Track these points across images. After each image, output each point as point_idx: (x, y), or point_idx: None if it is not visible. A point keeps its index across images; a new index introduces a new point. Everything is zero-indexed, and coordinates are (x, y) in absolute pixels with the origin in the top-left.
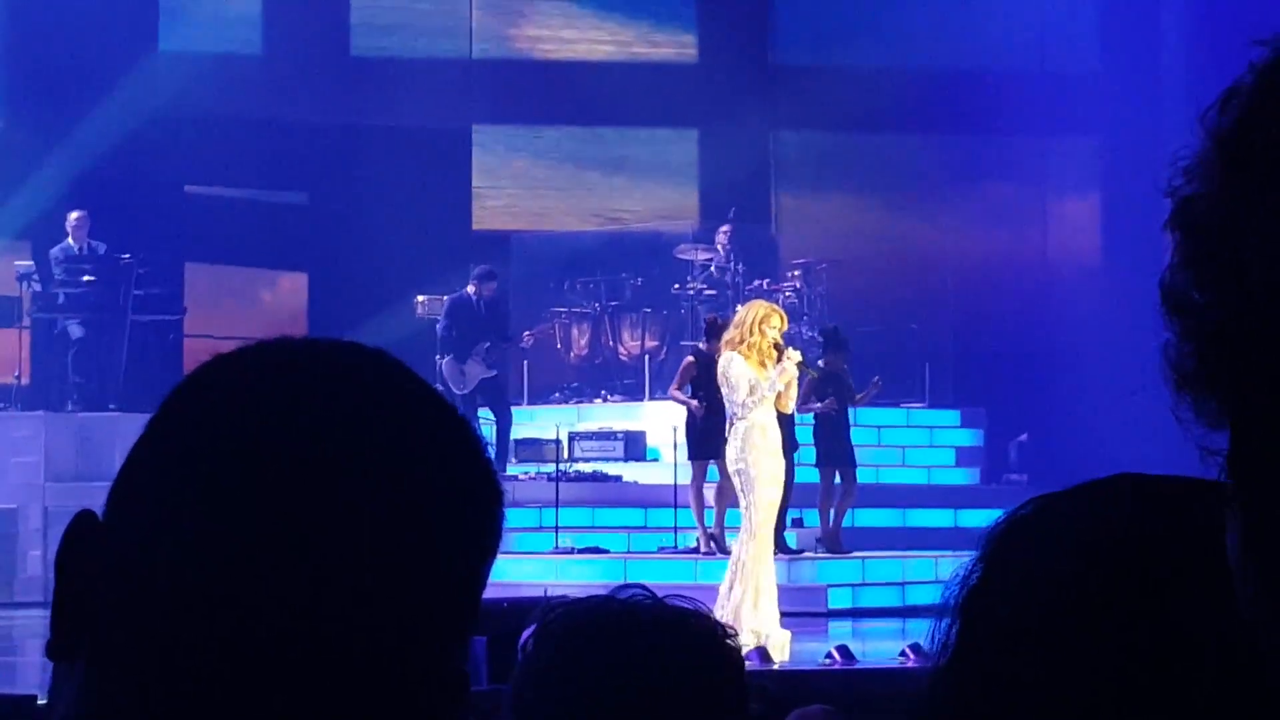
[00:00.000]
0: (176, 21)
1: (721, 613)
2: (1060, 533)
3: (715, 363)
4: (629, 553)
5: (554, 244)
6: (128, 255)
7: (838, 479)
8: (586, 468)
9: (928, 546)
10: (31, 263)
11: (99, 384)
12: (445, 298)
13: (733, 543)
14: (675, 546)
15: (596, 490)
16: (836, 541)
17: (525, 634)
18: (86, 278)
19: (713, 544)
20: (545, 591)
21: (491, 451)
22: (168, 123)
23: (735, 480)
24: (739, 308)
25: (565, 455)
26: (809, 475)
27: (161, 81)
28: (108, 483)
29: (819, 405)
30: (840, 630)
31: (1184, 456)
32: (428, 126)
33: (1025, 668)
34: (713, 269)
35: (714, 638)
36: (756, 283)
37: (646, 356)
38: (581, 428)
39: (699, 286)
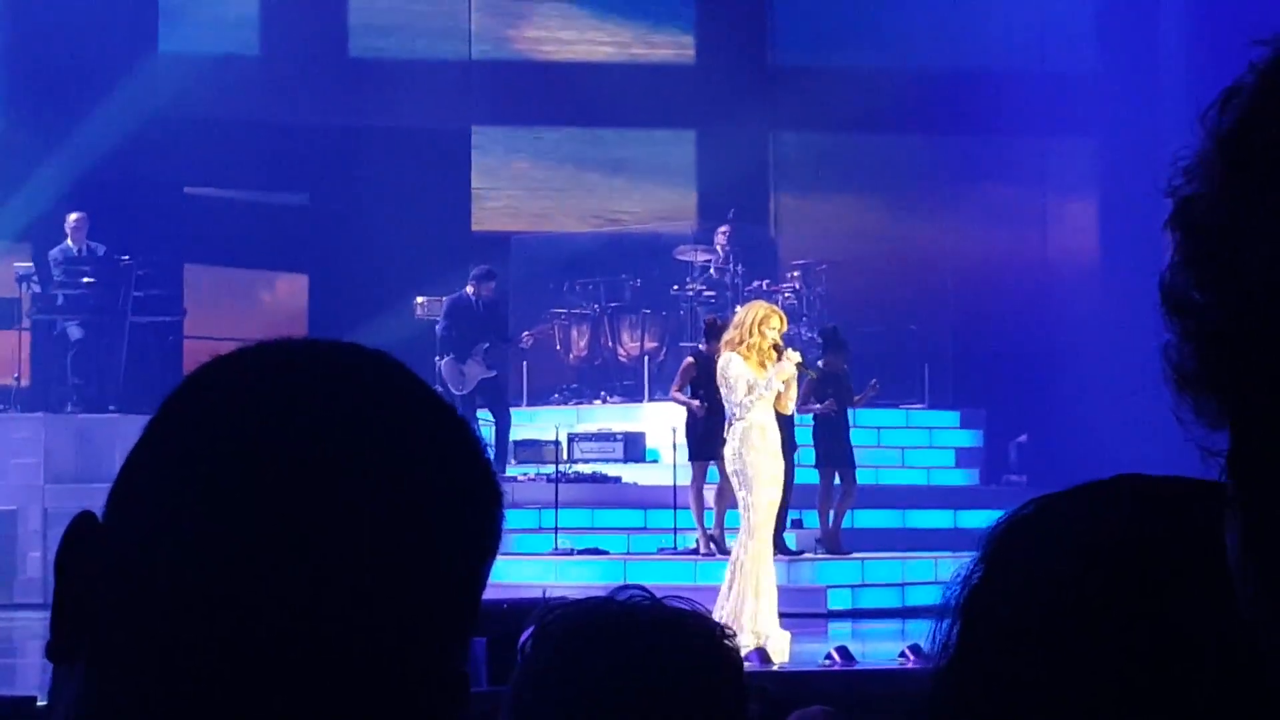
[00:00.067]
0: (176, 23)
1: (721, 614)
2: (1060, 533)
3: (715, 363)
4: (628, 554)
5: (553, 245)
6: (127, 257)
7: (837, 480)
8: (586, 469)
9: (927, 547)
10: (31, 264)
11: (98, 385)
12: (444, 299)
13: (732, 544)
14: (675, 548)
15: (596, 491)
16: (836, 542)
17: (524, 635)
18: (86, 279)
19: (712, 545)
20: (544, 593)
21: (491, 453)
22: (167, 124)
23: (733, 480)
24: (738, 308)
25: (564, 456)
26: (808, 476)
27: (161, 83)
28: (107, 484)
29: (819, 406)
30: (840, 631)
31: (1184, 457)
32: (427, 128)
33: (1026, 668)
34: (712, 270)
35: (713, 639)
36: (756, 284)
37: (646, 358)
38: (581, 429)
39: (698, 287)
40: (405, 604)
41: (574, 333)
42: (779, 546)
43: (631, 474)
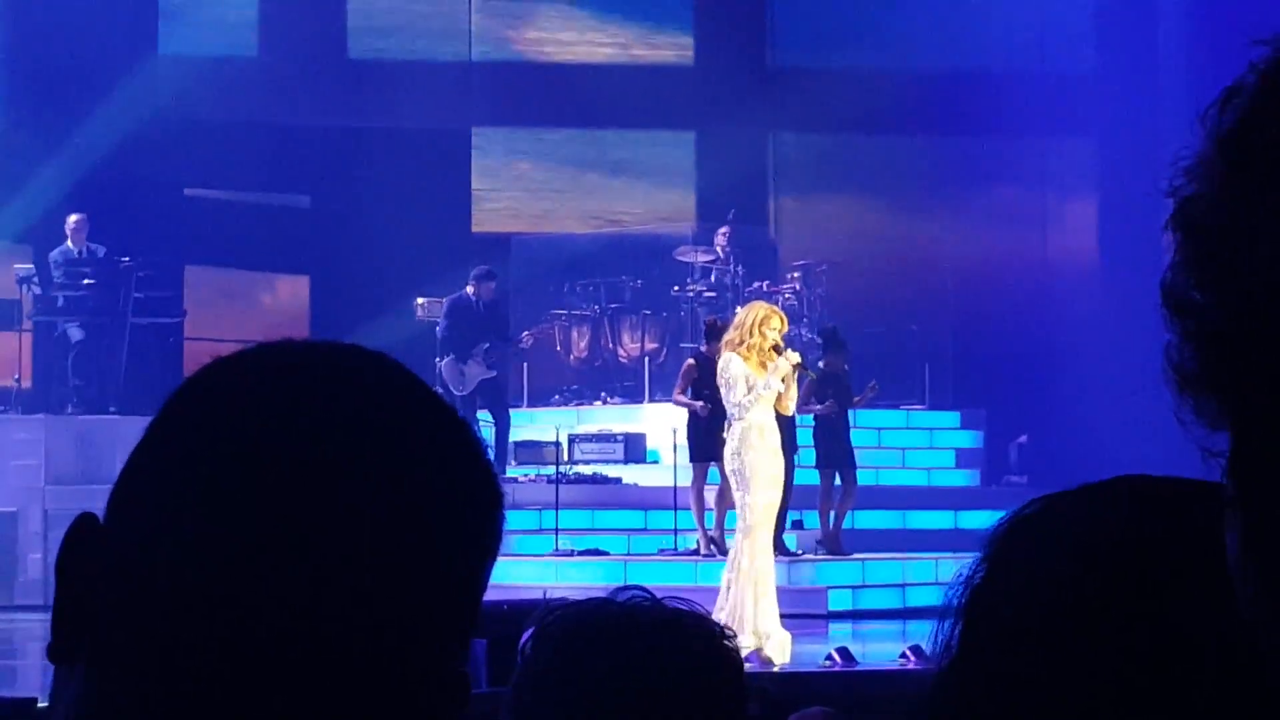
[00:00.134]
0: (176, 24)
1: (720, 615)
2: (1061, 533)
3: (716, 364)
4: (629, 555)
5: (554, 246)
6: (127, 258)
7: (837, 480)
8: (586, 470)
9: (928, 548)
10: (31, 266)
11: (99, 387)
12: (445, 299)
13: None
14: (675, 549)
15: (596, 492)
16: (836, 543)
17: (524, 636)
18: (86, 281)
19: (713, 546)
20: (545, 594)
21: (491, 454)
22: (167, 125)
23: (731, 480)
24: (739, 309)
25: (565, 457)
26: (809, 477)
27: (161, 84)
28: (108, 485)
29: (819, 407)
30: (840, 632)
31: (1184, 457)
32: (427, 129)
33: (1027, 668)
34: (713, 274)
35: (713, 639)
36: (756, 284)
37: (646, 358)
38: (581, 430)
39: (698, 288)
40: (405, 605)
41: (574, 334)
42: (779, 547)
43: (632, 475)
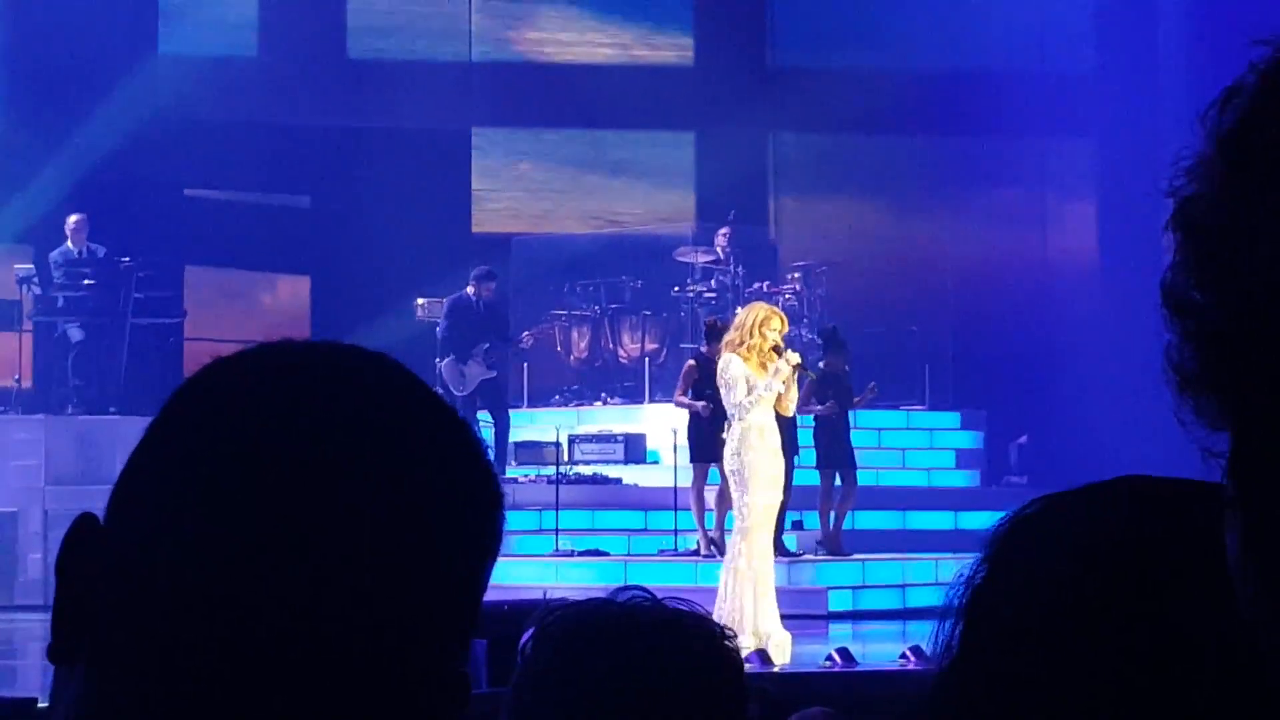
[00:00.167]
0: (176, 24)
1: (719, 616)
2: (1061, 533)
3: (716, 365)
4: (629, 555)
5: (554, 246)
6: (128, 258)
7: (838, 481)
8: (586, 470)
9: (928, 549)
10: (31, 266)
11: (99, 387)
12: (445, 300)
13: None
14: (675, 549)
15: (596, 493)
16: (837, 544)
17: (524, 637)
18: (86, 281)
19: (713, 547)
20: (545, 594)
21: (490, 454)
22: (167, 125)
23: (730, 480)
24: (739, 310)
25: (565, 458)
26: (809, 477)
27: (161, 84)
28: (108, 486)
29: (820, 408)
30: (840, 632)
31: (1184, 457)
32: (427, 129)
33: (1027, 668)
34: (713, 274)
35: (713, 640)
36: (756, 285)
37: (646, 359)
38: (581, 430)
39: (699, 289)
40: (405, 605)
41: (574, 334)
42: (779, 548)
43: (632, 475)
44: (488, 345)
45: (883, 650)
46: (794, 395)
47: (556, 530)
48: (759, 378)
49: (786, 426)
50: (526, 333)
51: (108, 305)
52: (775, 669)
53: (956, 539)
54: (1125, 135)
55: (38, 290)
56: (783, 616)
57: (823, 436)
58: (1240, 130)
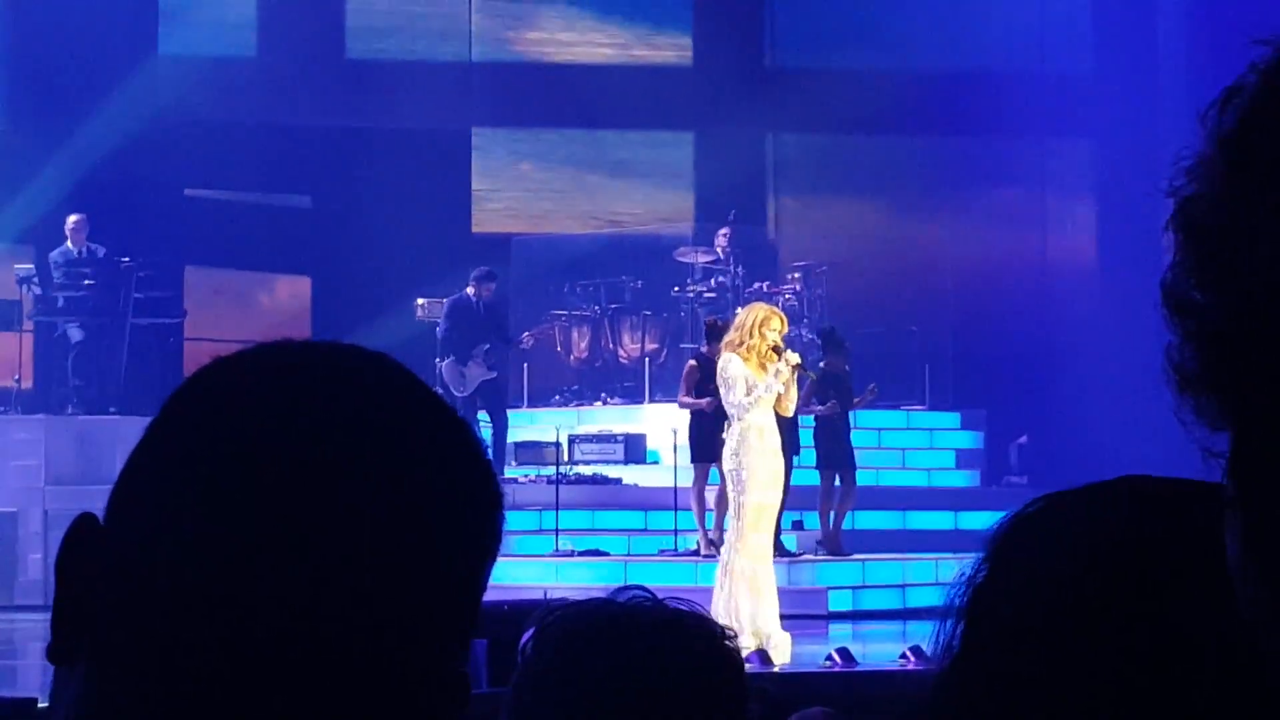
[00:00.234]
0: (176, 25)
1: (715, 615)
2: (1061, 533)
3: (716, 365)
4: (629, 555)
5: (554, 247)
6: (127, 258)
7: (837, 481)
8: (586, 470)
9: (928, 549)
10: (32, 266)
11: (99, 387)
12: (445, 300)
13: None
14: (675, 549)
15: (596, 493)
16: (837, 544)
17: (525, 636)
18: (86, 281)
19: (713, 547)
20: (545, 594)
21: (490, 454)
22: (168, 126)
23: (728, 479)
24: (739, 310)
25: (565, 458)
26: (809, 477)
27: (161, 84)
28: (108, 486)
29: (821, 408)
30: (840, 633)
31: (1184, 457)
32: (427, 129)
33: (1027, 667)
34: (713, 274)
35: (714, 640)
36: (756, 285)
37: (646, 359)
38: (581, 430)
39: (699, 289)
40: (405, 605)
41: (574, 334)
42: (779, 548)
43: (632, 475)
44: (488, 346)
45: (883, 650)
46: (794, 396)
47: (556, 530)
48: (759, 378)
49: (787, 427)
50: (527, 333)
51: (108, 305)
52: (775, 669)
53: (956, 539)
54: (1125, 135)
55: (38, 290)
56: (783, 616)
57: (823, 437)
58: (1241, 130)
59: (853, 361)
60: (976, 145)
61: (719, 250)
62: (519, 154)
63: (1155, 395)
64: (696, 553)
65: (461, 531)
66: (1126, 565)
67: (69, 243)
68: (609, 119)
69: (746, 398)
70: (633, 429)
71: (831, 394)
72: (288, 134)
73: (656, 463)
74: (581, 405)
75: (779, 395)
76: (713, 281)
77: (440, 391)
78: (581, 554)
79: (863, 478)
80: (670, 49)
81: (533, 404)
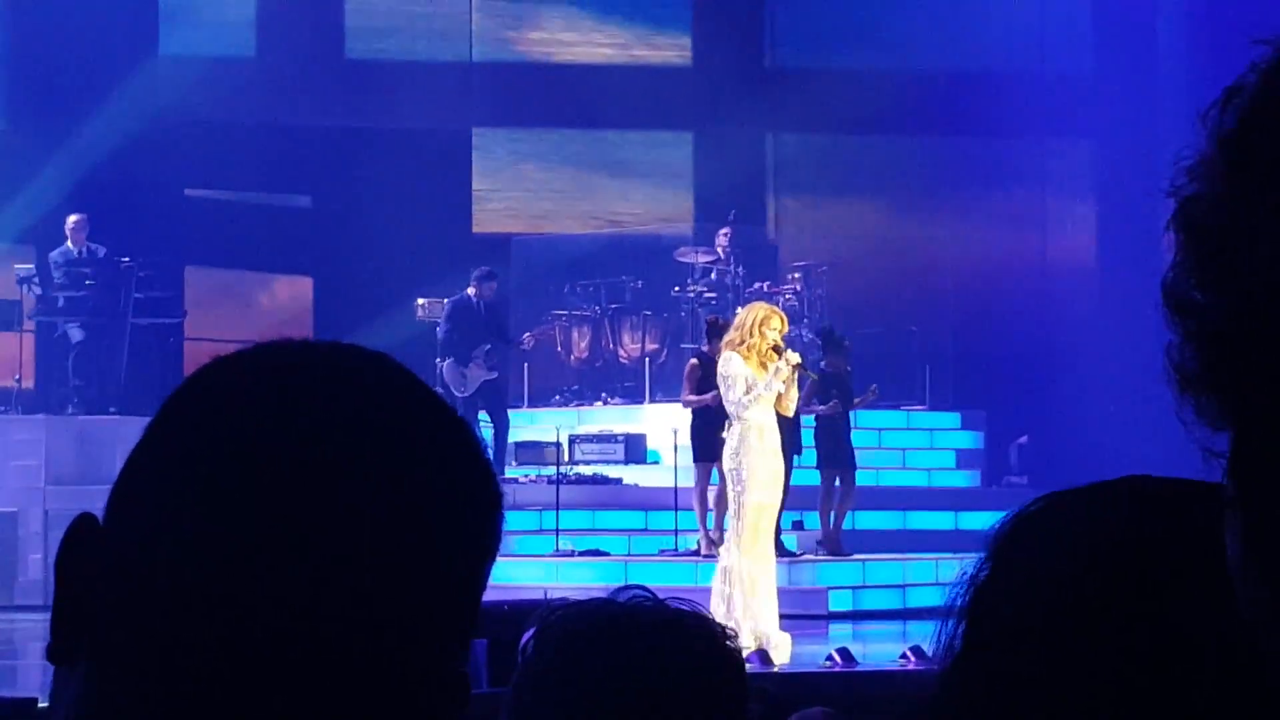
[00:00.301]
0: (176, 25)
1: (716, 615)
2: (1062, 533)
3: (717, 363)
4: (629, 555)
5: (554, 247)
6: (128, 258)
7: (838, 482)
8: (587, 470)
9: (928, 549)
10: (32, 266)
11: (99, 387)
12: (446, 300)
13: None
14: (676, 549)
15: (597, 493)
16: (837, 544)
17: (525, 636)
18: (86, 281)
19: (714, 547)
20: (545, 594)
21: (490, 454)
22: (168, 126)
23: (728, 479)
24: (739, 310)
25: (565, 458)
26: (809, 477)
27: (161, 85)
28: (108, 486)
29: (823, 408)
30: (841, 633)
31: (1184, 457)
32: (428, 129)
33: (1028, 667)
34: (713, 272)
35: (714, 640)
36: (756, 285)
37: (647, 359)
38: (582, 430)
39: (699, 289)
40: (405, 605)
41: (575, 334)
42: (779, 548)
43: (632, 475)
44: (489, 346)
45: (883, 650)
46: (794, 395)
47: (557, 530)
48: (759, 377)
49: (789, 427)
50: (527, 333)
51: (108, 305)
52: (775, 669)
53: (956, 539)
54: (1125, 135)
55: (38, 290)
56: (783, 616)
57: (824, 437)
58: (1241, 130)
59: (853, 361)
60: (976, 145)
61: (719, 250)
62: (519, 154)
63: (1155, 395)
64: (697, 553)
65: (461, 531)
66: (1127, 565)
67: (69, 243)
68: (609, 119)
69: (746, 396)
70: (633, 429)
71: (833, 393)
72: (288, 134)
73: (657, 463)
74: (582, 405)
75: (779, 395)
76: (712, 276)
77: (440, 392)
78: (582, 554)
79: (863, 478)
80: (670, 49)
81: (533, 404)
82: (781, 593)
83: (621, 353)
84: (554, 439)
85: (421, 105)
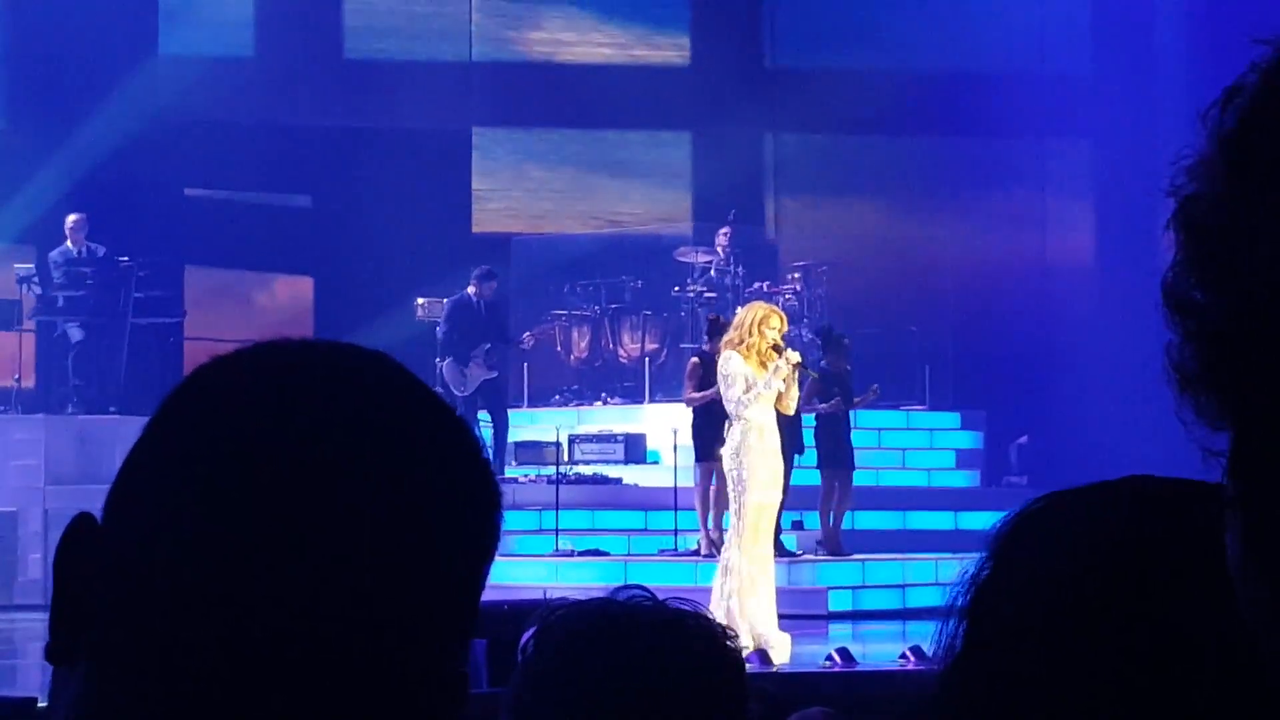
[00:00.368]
0: (176, 25)
1: (715, 615)
2: (1062, 533)
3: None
4: (629, 555)
5: (554, 247)
6: (127, 258)
7: (837, 481)
8: (587, 470)
9: (928, 549)
10: (31, 266)
11: (99, 387)
12: (446, 300)
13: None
14: (675, 549)
15: (596, 493)
16: (836, 544)
17: (525, 636)
18: (86, 281)
19: (714, 547)
20: (545, 594)
21: (489, 454)
22: (168, 125)
23: (729, 479)
24: (739, 309)
25: (565, 458)
26: (808, 477)
27: (161, 84)
28: (108, 485)
29: (824, 406)
30: (840, 633)
31: (1184, 457)
32: (428, 129)
33: (1028, 666)
34: (712, 271)
35: (714, 639)
36: (756, 285)
37: (646, 359)
38: (581, 430)
39: (699, 289)
40: (404, 604)
41: (575, 334)
42: (779, 548)
43: (632, 475)
44: (489, 346)
45: (883, 650)
46: (795, 394)
47: (556, 530)
48: (758, 376)
49: (790, 426)
50: (527, 333)
51: (108, 305)
52: (775, 669)
53: (956, 539)
54: (1124, 136)
55: (38, 290)
56: (782, 616)
57: (824, 436)
58: (1241, 130)
59: (853, 361)
60: (976, 145)
61: (719, 250)
62: (519, 154)
63: (1155, 395)
64: (697, 552)
65: (461, 531)
66: (1127, 565)
67: (69, 242)
68: (609, 119)
69: (746, 395)
70: (633, 429)
71: (835, 391)
72: (288, 134)
73: (656, 463)
74: (581, 405)
75: (780, 394)
76: (712, 276)
77: (440, 391)
78: (581, 554)
79: (863, 478)
80: (670, 49)
81: (533, 404)
82: (781, 593)
83: (621, 353)
84: (554, 439)
85: (421, 105)
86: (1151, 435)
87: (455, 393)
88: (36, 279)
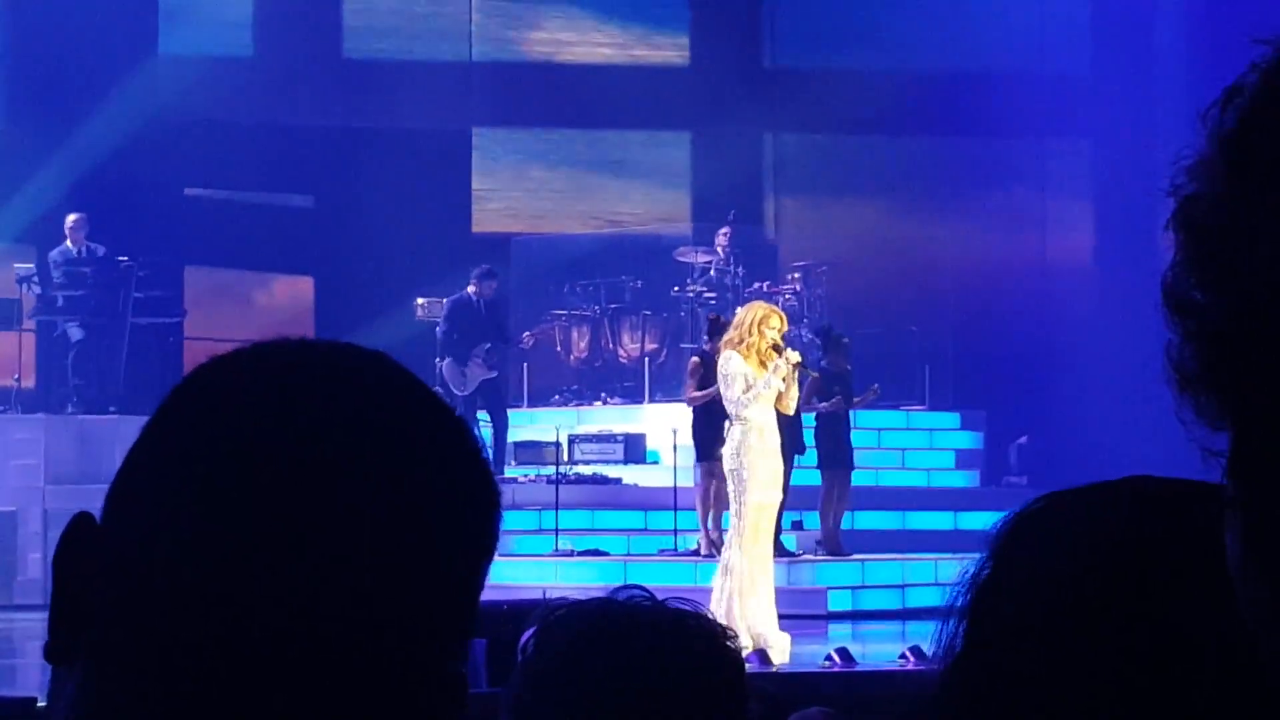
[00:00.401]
0: (176, 24)
1: (715, 615)
2: (1062, 533)
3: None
4: (629, 555)
5: (554, 247)
6: (127, 258)
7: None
8: (586, 470)
9: (927, 549)
10: (31, 266)
11: (99, 387)
12: (446, 300)
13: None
14: (675, 549)
15: (596, 493)
16: (836, 544)
17: (524, 636)
18: (87, 281)
19: (714, 548)
20: (545, 594)
21: (489, 453)
22: (167, 125)
23: (729, 479)
24: (739, 309)
25: (565, 458)
26: (808, 477)
27: (161, 84)
28: (108, 485)
29: (825, 405)
30: (840, 633)
31: (1184, 457)
32: (428, 129)
33: (1028, 666)
34: (712, 271)
35: (714, 639)
36: (756, 285)
37: (646, 359)
38: (581, 430)
39: (699, 289)
40: (404, 604)
41: (574, 334)
42: (779, 548)
43: (632, 475)
44: (488, 345)
45: (882, 650)
46: (794, 394)
47: (556, 530)
48: (758, 375)
49: (790, 426)
50: (527, 333)
51: (108, 305)
52: (774, 669)
53: (956, 539)
54: (1123, 135)
55: (38, 290)
56: (782, 616)
57: (824, 436)
58: (1241, 130)
59: (853, 361)
60: (976, 145)
61: (719, 250)
62: (519, 154)
63: (1155, 395)
64: (697, 552)
65: (460, 531)
66: (1127, 565)
67: (68, 242)
68: (609, 119)
69: (745, 394)
70: (633, 429)
71: (835, 391)
72: (288, 134)
73: (656, 463)
74: (581, 405)
75: (780, 394)
76: (712, 276)
77: (440, 391)
78: (581, 554)
79: (863, 478)
80: (669, 49)
81: (533, 404)
82: (781, 593)
83: (621, 352)
84: (553, 439)
85: (421, 105)
86: (1151, 435)
87: (455, 392)
88: (36, 279)
